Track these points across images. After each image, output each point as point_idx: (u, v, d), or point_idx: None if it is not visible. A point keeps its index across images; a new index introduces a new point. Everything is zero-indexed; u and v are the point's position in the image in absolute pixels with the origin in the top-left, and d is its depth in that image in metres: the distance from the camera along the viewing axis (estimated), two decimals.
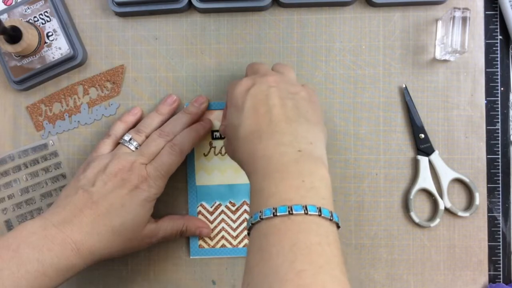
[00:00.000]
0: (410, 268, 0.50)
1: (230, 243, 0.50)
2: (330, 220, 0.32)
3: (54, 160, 0.52)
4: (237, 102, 0.39)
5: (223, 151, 0.50)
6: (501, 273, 0.50)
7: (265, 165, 0.35)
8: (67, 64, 0.50)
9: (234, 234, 0.50)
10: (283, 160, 0.35)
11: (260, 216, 0.32)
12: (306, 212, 0.31)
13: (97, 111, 0.51)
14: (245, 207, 0.50)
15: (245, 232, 0.50)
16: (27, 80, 0.51)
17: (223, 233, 0.50)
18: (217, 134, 0.50)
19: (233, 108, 0.40)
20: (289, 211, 0.31)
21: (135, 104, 0.51)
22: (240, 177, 0.50)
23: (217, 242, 0.50)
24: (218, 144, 0.51)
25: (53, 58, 0.49)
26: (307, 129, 0.37)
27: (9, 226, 0.52)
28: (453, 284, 0.49)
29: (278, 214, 0.31)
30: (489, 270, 0.50)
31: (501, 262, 0.50)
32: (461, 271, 0.49)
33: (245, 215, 0.50)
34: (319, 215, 0.32)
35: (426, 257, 0.50)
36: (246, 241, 0.50)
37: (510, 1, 0.49)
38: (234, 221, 0.50)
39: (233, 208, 0.50)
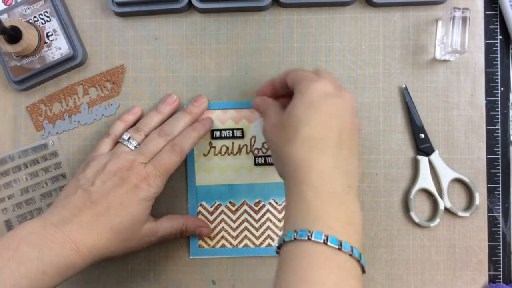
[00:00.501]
0: (410, 268, 0.50)
1: (230, 243, 0.50)
2: (363, 267, 0.33)
3: (54, 160, 0.52)
4: (313, 99, 0.38)
5: (223, 151, 0.50)
6: (501, 273, 0.50)
7: (319, 183, 0.35)
8: (67, 64, 0.50)
9: (234, 234, 0.50)
10: (336, 188, 0.35)
11: (308, 236, 0.32)
12: (351, 253, 0.32)
13: (97, 111, 0.51)
14: (245, 207, 0.50)
15: (245, 232, 0.50)
16: (27, 80, 0.51)
17: (223, 233, 0.50)
18: (217, 133, 0.50)
19: (304, 99, 0.38)
20: (338, 246, 0.32)
21: (135, 104, 0.51)
22: (240, 177, 0.50)
23: (217, 242, 0.50)
24: (218, 144, 0.51)
25: (53, 58, 0.50)
26: (357, 165, 0.38)
27: (9, 226, 0.52)
28: (453, 284, 0.49)
29: (328, 243, 0.32)
30: (489, 270, 0.50)
31: (501, 262, 0.50)
32: (461, 271, 0.49)
33: (245, 215, 0.50)
34: (358, 261, 0.33)
35: (426, 257, 0.50)
36: (246, 241, 0.50)
37: (510, 1, 0.49)
38: (234, 221, 0.50)
39: (233, 208, 0.50)
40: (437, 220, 0.49)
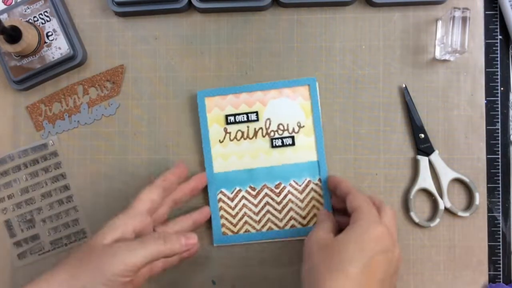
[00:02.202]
0: (410, 268, 0.50)
1: (254, 228, 0.50)
2: None
3: (54, 160, 0.52)
4: (367, 245, 0.38)
5: (238, 135, 0.50)
6: (501, 273, 0.50)
7: None
8: (67, 64, 0.50)
9: (257, 218, 0.50)
10: None
11: None
12: None
13: (97, 111, 0.51)
14: (266, 190, 0.50)
15: (268, 216, 0.50)
16: (27, 80, 0.51)
17: (245, 218, 0.50)
18: (231, 119, 0.50)
19: (359, 240, 0.39)
20: None
21: (134, 103, 0.51)
22: (258, 161, 0.50)
23: (241, 228, 0.50)
24: (233, 129, 0.50)
25: (53, 58, 0.49)
26: None
27: (9, 226, 0.52)
28: (453, 284, 0.49)
29: None
30: (489, 270, 0.50)
31: (501, 262, 0.50)
32: (461, 271, 0.49)
33: (266, 199, 0.50)
34: None
35: (426, 257, 0.50)
36: (269, 224, 0.50)
37: (510, 1, 0.49)
38: (255, 205, 0.50)
39: (254, 193, 0.50)
40: (437, 220, 0.49)
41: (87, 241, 0.40)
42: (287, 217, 0.50)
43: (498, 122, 0.50)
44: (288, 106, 0.50)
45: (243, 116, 0.50)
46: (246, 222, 0.50)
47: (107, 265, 0.37)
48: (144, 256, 0.38)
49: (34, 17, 0.50)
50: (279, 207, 0.50)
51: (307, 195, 0.50)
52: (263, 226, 0.50)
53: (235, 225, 0.50)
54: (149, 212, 0.43)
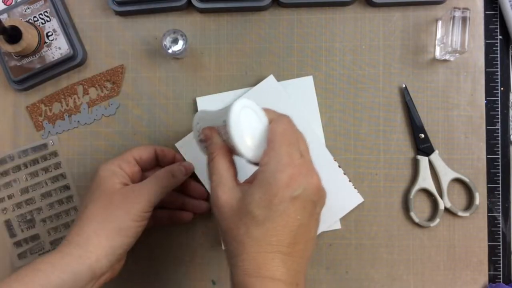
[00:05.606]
0: (410, 268, 0.50)
1: None
2: None
3: (54, 160, 0.52)
4: (275, 199, 0.33)
5: None
6: (501, 273, 0.50)
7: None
8: (67, 64, 0.50)
9: None
10: None
11: None
12: None
13: (97, 111, 0.51)
14: None
15: None
16: (27, 80, 0.51)
17: None
18: None
19: (267, 196, 0.34)
20: None
21: (134, 103, 0.51)
22: None
23: None
24: None
25: (53, 58, 0.49)
26: (306, 266, 0.36)
27: (9, 226, 0.52)
28: (453, 284, 0.49)
29: None
30: (489, 270, 0.50)
31: (501, 262, 0.50)
32: (461, 271, 0.49)
33: None
34: None
35: (426, 257, 0.50)
36: None
37: (510, 1, 0.49)
38: None
39: None
40: (437, 220, 0.49)
41: (91, 190, 0.42)
42: None
43: (498, 122, 0.50)
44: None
45: None
46: None
47: (135, 204, 0.41)
48: (161, 192, 0.42)
49: (34, 17, 0.50)
50: None
51: None
52: None
53: None
54: (137, 163, 0.46)
